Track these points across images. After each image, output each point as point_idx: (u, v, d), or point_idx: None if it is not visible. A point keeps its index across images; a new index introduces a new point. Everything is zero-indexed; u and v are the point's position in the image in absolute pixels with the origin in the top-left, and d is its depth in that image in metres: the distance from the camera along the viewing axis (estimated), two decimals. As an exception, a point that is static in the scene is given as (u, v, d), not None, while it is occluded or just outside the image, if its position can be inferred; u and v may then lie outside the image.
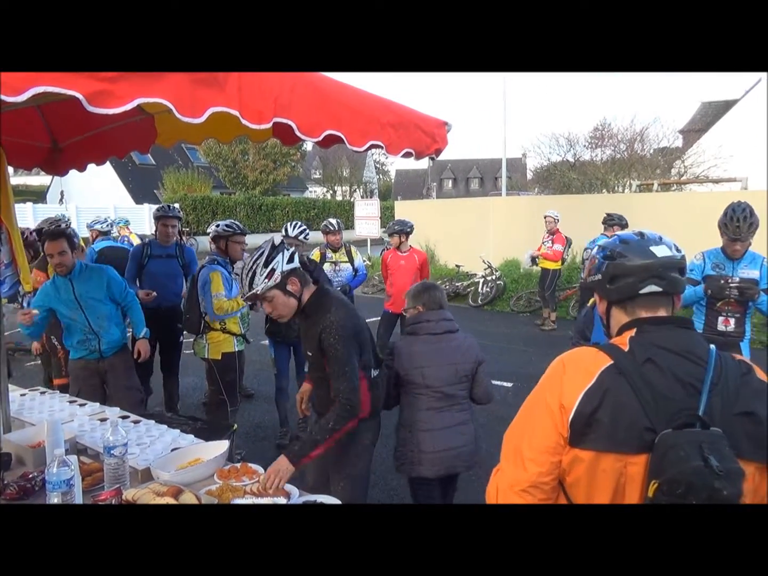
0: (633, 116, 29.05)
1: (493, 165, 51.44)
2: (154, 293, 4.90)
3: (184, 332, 5.04)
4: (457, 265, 12.70)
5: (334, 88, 2.20)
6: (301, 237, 4.94)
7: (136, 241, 9.40)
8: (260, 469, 2.51)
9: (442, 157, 2.98)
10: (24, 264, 3.28)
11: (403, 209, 15.26)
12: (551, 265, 9.26)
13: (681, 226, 7.83)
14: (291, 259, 2.52)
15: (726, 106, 25.92)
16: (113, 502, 2.07)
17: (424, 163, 44.98)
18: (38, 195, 26.76)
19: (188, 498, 2.14)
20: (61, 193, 22.07)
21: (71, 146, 3.45)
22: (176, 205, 6.11)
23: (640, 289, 1.37)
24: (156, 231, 5.34)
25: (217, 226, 4.53)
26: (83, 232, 8.02)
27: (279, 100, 1.92)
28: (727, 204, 3.90)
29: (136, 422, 3.05)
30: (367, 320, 2.84)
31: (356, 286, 6.04)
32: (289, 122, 1.97)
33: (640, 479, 1.24)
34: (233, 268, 4.44)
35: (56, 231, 3.99)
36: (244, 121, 1.84)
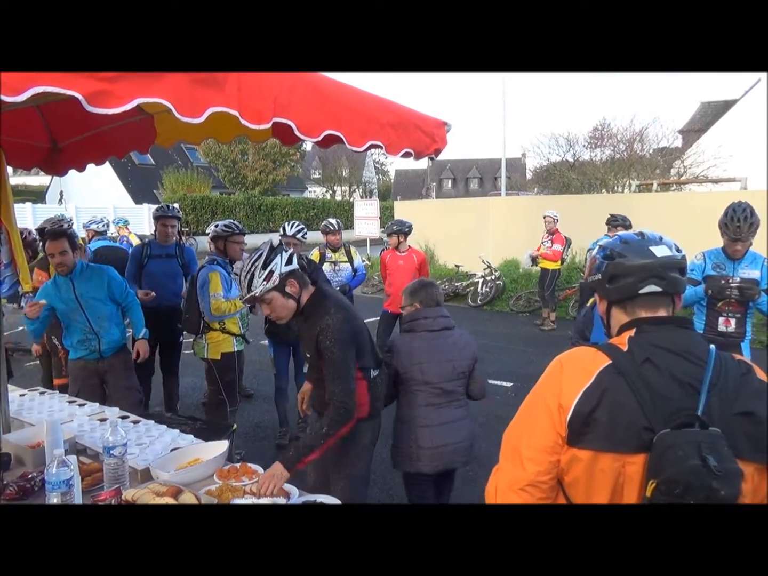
0: (632, 116, 29.19)
1: (492, 165, 51.46)
2: (153, 293, 4.90)
3: (184, 332, 5.04)
4: (456, 265, 12.70)
5: (334, 88, 2.20)
6: (299, 236, 4.93)
7: (135, 241, 9.42)
8: (260, 469, 2.51)
9: (442, 157, 2.98)
10: (23, 264, 3.28)
11: (403, 209, 15.26)
12: (551, 265, 9.27)
13: (680, 226, 7.83)
14: (289, 261, 2.51)
15: (725, 106, 25.94)
16: (113, 502, 2.07)
17: (423, 163, 44.99)
18: (37, 195, 26.75)
19: (188, 498, 2.14)
20: (61, 193, 22.10)
21: (70, 146, 3.45)
22: (175, 205, 6.11)
23: (639, 288, 1.37)
24: (155, 231, 5.34)
25: (216, 226, 4.53)
26: (82, 232, 8.03)
27: (278, 100, 1.92)
28: (726, 204, 3.90)
29: (135, 422, 3.05)
30: (366, 320, 2.84)
31: (356, 286, 6.04)
32: (289, 122, 1.97)
33: (638, 479, 1.25)
34: (232, 268, 4.44)
35: (57, 231, 3.99)
36: (243, 121, 1.84)
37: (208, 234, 4.76)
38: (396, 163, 64.07)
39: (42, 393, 3.63)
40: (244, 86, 1.80)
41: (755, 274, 3.84)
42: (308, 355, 2.67)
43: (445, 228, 13.63)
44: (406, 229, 6.31)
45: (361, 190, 45.25)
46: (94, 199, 24.33)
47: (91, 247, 6.05)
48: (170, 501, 2.08)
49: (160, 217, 5.22)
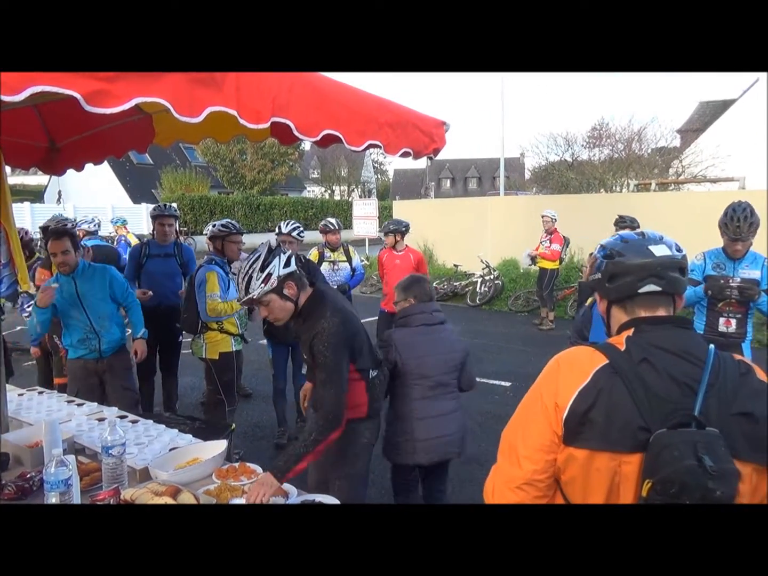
0: (631, 116, 29.25)
1: (491, 165, 51.49)
2: (150, 292, 4.90)
3: (183, 332, 5.04)
4: (455, 265, 12.71)
5: (333, 87, 2.20)
6: (294, 234, 4.92)
7: (134, 241, 9.40)
8: (258, 469, 2.51)
9: (440, 156, 2.98)
10: (22, 264, 3.28)
11: (401, 209, 15.26)
12: (549, 265, 9.28)
13: (679, 226, 7.84)
14: (288, 263, 2.48)
15: (724, 105, 25.97)
16: (111, 501, 2.07)
17: (422, 163, 44.96)
18: (36, 195, 26.74)
19: (186, 498, 2.14)
20: (59, 192, 22.09)
21: (69, 146, 3.45)
22: (174, 205, 6.11)
23: (638, 288, 1.37)
24: (153, 230, 5.34)
25: (214, 225, 4.53)
26: (77, 232, 8.03)
27: (277, 99, 1.92)
28: (725, 204, 3.90)
29: (134, 422, 3.04)
30: (365, 320, 2.85)
31: (354, 286, 6.04)
32: (287, 122, 1.97)
33: (634, 478, 1.25)
34: (230, 268, 4.43)
35: (60, 230, 3.99)
36: (242, 121, 1.84)
37: (206, 234, 4.75)
38: (394, 163, 64.14)
39: (40, 393, 3.62)
40: (242, 86, 1.80)
41: (755, 274, 3.84)
42: (305, 357, 2.66)
43: (443, 227, 13.64)
44: (403, 229, 6.31)
45: (359, 190, 45.23)
46: (93, 198, 24.32)
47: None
48: (169, 501, 2.08)
49: (157, 217, 5.22)
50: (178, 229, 5.66)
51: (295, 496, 2.33)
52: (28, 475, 2.34)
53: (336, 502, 2.28)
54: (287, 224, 5.01)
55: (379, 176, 57.77)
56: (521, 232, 11.54)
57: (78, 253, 3.88)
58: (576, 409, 1.29)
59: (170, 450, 2.65)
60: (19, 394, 3.53)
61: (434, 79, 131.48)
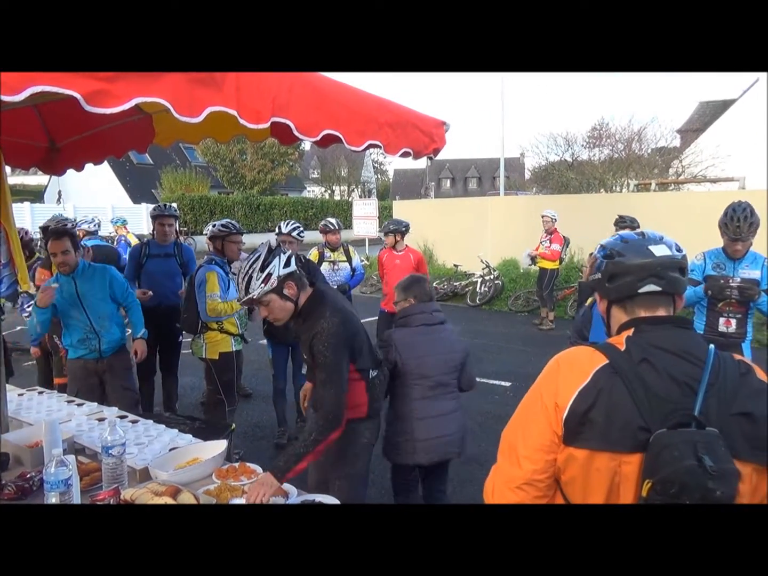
0: (631, 116, 29.24)
1: (491, 165, 51.50)
2: (150, 292, 4.90)
3: (183, 332, 5.04)
4: (455, 265, 12.71)
5: (332, 87, 2.20)
6: (294, 233, 4.92)
7: (134, 241, 9.40)
8: (258, 469, 2.51)
9: (440, 156, 2.98)
10: (21, 264, 3.28)
11: (401, 209, 15.26)
12: (549, 265, 9.28)
13: (679, 226, 7.84)
14: (288, 263, 2.48)
15: (724, 105, 25.98)
16: (111, 501, 2.07)
17: (422, 163, 44.95)
18: (36, 195, 26.74)
19: (186, 498, 2.14)
20: (59, 192, 22.09)
21: (69, 146, 3.45)
22: (174, 205, 6.11)
23: (638, 288, 1.37)
24: (153, 230, 5.34)
25: (214, 225, 4.53)
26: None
27: (277, 99, 1.92)
28: (725, 204, 3.90)
29: (134, 422, 3.04)
30: (365, 320, 2.85)
31: (354, 286, 6.04)
32: (287, 122, 1.97)
33: (634, 478, 1.25)
34: (230, 268, 4.43)
35: (60, 230, 3.99)
36: (242, 121, 1.84)
37: (205, 234, 4.75)
38: (394, 163, 64.14)
39: (40, 393, 3.62)
40: (242, 86, 1.80)
41: (756, 274, 3.83)
42: (305, 357, 2.66)
43: (443, 228, 13.64)
44: (403, 229, 6.31)
45: (359, 190, 45.23)
46: (93, 198, 24.31)
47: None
48: (169, 501, 2.08)
49: (157, 216, 5.22)
50: (178, 229, 5.66)
51: (295, 496, 2.33)
52: (28, 475, 2.34)
53: (336, 502, 2.28)
54: (287, 224, 5.01)
55: (379, 176, 57.77)
56: (521, 232, 11.54)
57: (78, 253, 3.88)
58: (576, 409, 1.29)
59: (170, 450, 2.65)
60: (19, 394, 3.53)
61: (434, 79, 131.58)
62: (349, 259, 5.91)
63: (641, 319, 1.38)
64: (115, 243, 9.27)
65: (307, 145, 31.47)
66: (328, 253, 5.85)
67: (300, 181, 41.76)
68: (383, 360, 2.92)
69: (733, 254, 3.88)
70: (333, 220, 5.93)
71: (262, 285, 2.43)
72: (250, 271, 2.44)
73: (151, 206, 5.95)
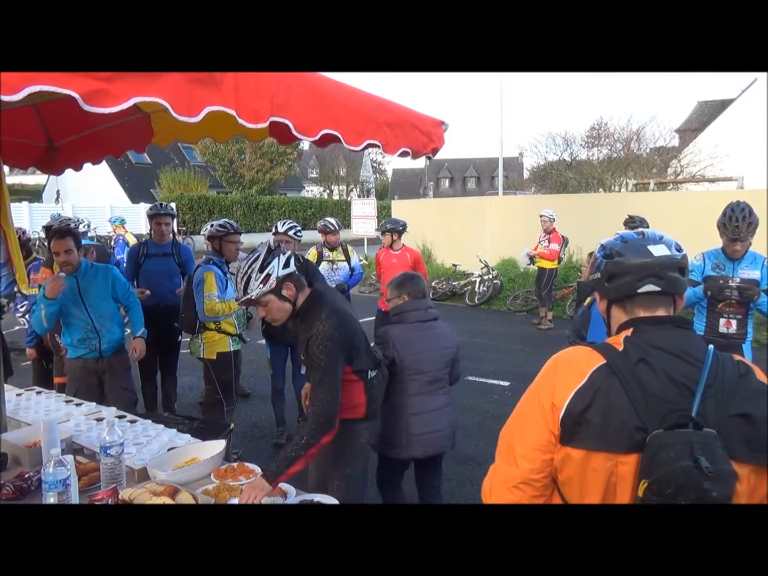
0: (630, 115, 29.16)
1: (489, 164, 51.47)
2: (148, 291, 4.89)
3: (182, 331, 5.04)
4: (454, 264, 12.71)
5: (331, 87, 2.20)
6: (290, 233, 4.91)
7: (132, 240, 9.41)
8: (257, 469, 2.51)
9: (439, 156, 2.98)
10: (20, 263, 3.28)
11: (400, 208, 15.26)
12: (548, 264, 9.29)
13: (677, 226, 7.84)
14: (287, 264, 2.48)
15: (722, 105, 26.03)
16: (110, 501, 2.07)
17: (421, 163, 44.99)
18: (34, 194, 26.71)
19: (185, 498, 2.13)
20: (57, 192, 22.07)
21: (67, 145, 3.45)
22: (172, 205, 6.11)
23: (637, 288, 1.37)
24: (151, 230, 5.34)
25: (212, 225, 4.52)
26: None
27: (275, 99, 1.92)
28: (723, 203, 3.89)
29: (132, 422, 3.04)
30: (363, 320, 2.85)
31: (353, 285, 6.04)
32: (286, 121, 1.97)
33: (630, 479, 1.25)
34: (228, 267, 4.43)
35: (63, 229, 4.00)
36: (240, 121, 1.84)
37: (203, 234, 4.75)
38: (393, 163, 64.22)
39: (39, 393, 3.62)
40: (241, 85, 1.80)
41: (755, 274, 3.82)
42: (303, 357, 2.66)
43: (442, 227, 13.64)
44: (400, 228, 6.30)
45: (358, 190, 45.25)
46: (91, 198, 24.29)
47: None
48: (167, 501, 2.08)
49: (154, 216, 5.22)
50: (176, 228, 5.67)
51: (293, 495, 2.34)
52: (27, 475, 2.33)
53: (335, 501, 2.28)
54: (283, 224, 5.00)
55: (378, 176, 57.82)
56: (520, 231, 11.54)
57: (80, 252, 3.90)
58: (572, 408, 1.29)
59: (169, 450, 2.65)
60: (18, 394, 3.53)
61: (433, 79, 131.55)
62: (348, 259, 5.91)
63: (640, 319, 1.38)
64: (113, 242, 9.27)
65: (305, 144, 31.47)
66: (326, 252, 5.84)
67: (299, 181, 41.74)
68: (384, 356, 2.92)
69: (732, 254, 3.87)
70: (333, 221, 5.92)
71: (261, 286, 2.42)
72: (249, 272, 2.44)
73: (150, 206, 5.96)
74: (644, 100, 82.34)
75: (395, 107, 2.55)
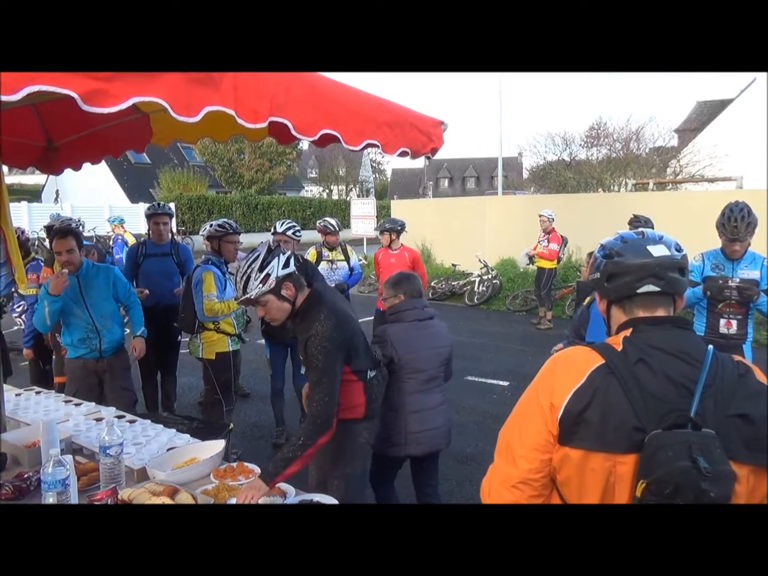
0: (629, 115, 29.09)
1: (489, 164, 51.46)
2: (147, 291, 4.88)
3: (182, 331, 5.04)
4: (453, 264, 12.71)
5: (330, 87, 2.20)
6: (289, 233, 4.89)
7: (131, 240, 9.40)
8: (256, 469, 2.51)
9: (438, 156, 2.98)
10: (19, 263, 3.27)
11: (400, 208, 15.26)
12: (547, 264, 9.29)
13: (676, 225, 7.82)
14: (287, 264, 2.48)
15: (721, 105, 26.05)
16: (109, 501, 2.07)
17: (420, 162, 45.03)
18: (33, 194, 26.70)
19: (184, 498, 2.13)
20: (56, 192, 22.07)
21: (66, 145, 3.44)
22: (171, 205, 6.12)
23: (637, 288, 1.37)
24: (149, 230, 5.34)
25: (210, 225, 4.51)
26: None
27: (275, 99, 1.92)
28: (722, 203, 3.89)
29: (132, 422, 3.04)
30: (362, 319, 2.84)
31: (353, 285, 6.04)
32: (285, 121, 1.97)
33: (629, 479, 1.25)
34: (227, 267, 4.42)
35: (65, 229, 4.01)
36: (239, 120, 1.84)
37: (202, 234, 4.75)
38: (393, 162, 64.19)
39: (38, 393, 3.62)
40: (240, 85, 1.80)
41: (755, 274, 3.82)
42: (302, 357, 2.66)
43: (442, 227, 13.64)
44: (398, 228, 6.29)
45: (357, 189, 45.26)
46: (90, 198, 24.27)
47: None
48: (167, 501, 2.08)
49: (152, 216, 5.22)
50: (176, 228, 5.68)
51: (293, 495, 2.34)
52: (26, 475, 2.33)
53: (334, 501, 2.28)
54: (282, 224, 5.00)
55: (377, 176, 57.81)
56: (519, 231, 11.54)
57: (82, 252, 3.91)
58: (571, 409, 1.29)
59: (168, 450, 2.65)
60: (17, 394, 3.53)
61: (432, 79, 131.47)
62: (347, 259, 5.91)
63: (640, 319, 1.38)
64: (112, 242, 9.27)
65: (305, 144, 31.45)
66: (326, 252, 5.84)
67: (298, 181, 41.72)
68: (381, 358, 2.93)
69: (732, 255, 3.87)
70: (333, 221, 5.91)
71: (260, 285, 2.43)
72: (248, 271, 2.44)
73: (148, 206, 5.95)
74: (643, 100, 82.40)
75: (394, 107, 2.55)
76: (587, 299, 3.70)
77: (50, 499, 1.95)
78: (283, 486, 2.37)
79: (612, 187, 22.51)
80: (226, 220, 4.55)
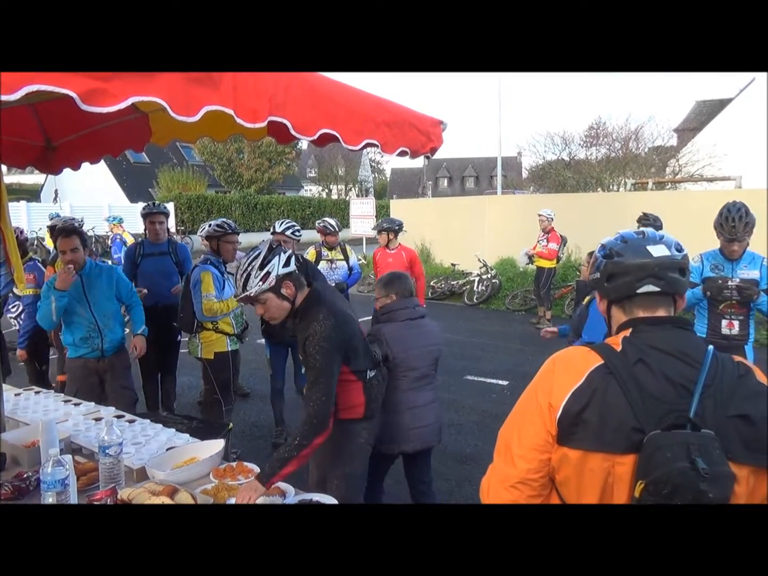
0: (628, 115, 29.25)
1: (488, 164, 51.44)
2: (145, 290, 4.88)
3: (182, 331, 5.03)
4: (452, 264, 12.71)
5: (329, 87, 2.20)
6: (288, 233, 4.87)
7: (129, 240, 9.40)
8: (256, 468, 2.51)
9: (438, 155, 2.98)
10: (18, 263, 3.27)
11: (399, 208, 15.26)
12: (546, 264, 9.29)
13: (676, 225, 7.83)
14: (287, 263, 2.48)
15: (720, 105, 26.06)
16: (108, 501, 2.07)
17: (419, 162, 45.02)
18: (32, 194, 26.69)
19: (184, 497, 2.13)
20: (55, 191, 22.00)
21: (65, 145, 3.44)
22: (170, 204, 6.12)
23: (637, 288, 1.36)
24: (145, 229, 5.33)
25: (209, 225, 4.51)
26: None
27: (274, 98, 1.92)
28: (721, 202, 3.89)
29: (131, 421, 3.04)
30: (361, 319, 2.84)
31: (352, 284, 6.04)
32: (284, 121, 1.97)
33: (628, 479, 1.24)
34: (226, 267, 4.42)
35: (69, 228, 4.02)
36: (238, 120, 1.84)
37: (200, 235, 4.74)
38: (392, 162, 64.15)
39: (37, 392, 3.62)
40: (239, 85, 1.80)
41: (754, 274, 3.81)
42: (301, 357, 2.66)
43: (441, 227, 13.64)
44: (396, 227, 6.29)
45: (357, 189, 45.25)
46: (89, 197, 24.24)
47: None
48: (166, 500, 2.08)
49: (147, 215, 5.22)
50: (175, 228, 5.68)
51: (292, 495, 2.34)
52: (25, 475, 2.33)
53: (333, 501, 2.29)
54: (281, 223, 4.98)
55: (377, 175, 57.80)
56: (518, 231, 11.54)
57: (86, 251, 3.92)
58: (569, 409, 1.28)
59: (167, 449, 2.65)
60: (16, 394, 3.53)
61: (431, 79, 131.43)
62: (347, 258, 5.91)
63: (639, 319, 1.37)
64: (110, 242, 9.27)
65: (304, 144, 31.40)
66: (325, 252, 5.84)
67: (297, 180, 41.70)
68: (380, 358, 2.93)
69: (730, 255, 3.86)
70: (332, 222, 5.91)
71: (260, 283, 2.43)
72: (249, 269, 2.44)
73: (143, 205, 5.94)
74: (643, 100, 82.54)
75: (394, 107, 2.55)
76: (586, 298, 3.71)
77: (49, 499, 1.95)
78: (283, 485, 2.37)
79: (611, 187, 22.51)
80: (224, 219, 4.55)
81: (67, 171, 3.61)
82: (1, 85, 1.40)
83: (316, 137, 2.15)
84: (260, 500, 2.22)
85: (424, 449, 3.20)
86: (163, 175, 26.92)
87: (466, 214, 13.49)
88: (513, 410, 1.45)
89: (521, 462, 1.34)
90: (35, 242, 15.78)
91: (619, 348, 1.33)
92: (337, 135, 2.21)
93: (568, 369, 1.34)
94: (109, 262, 6.01)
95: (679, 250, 1.39)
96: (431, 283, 12.11)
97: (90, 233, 15.51)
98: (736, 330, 3.86)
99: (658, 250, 1.36)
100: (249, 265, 2.45)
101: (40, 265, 5.26)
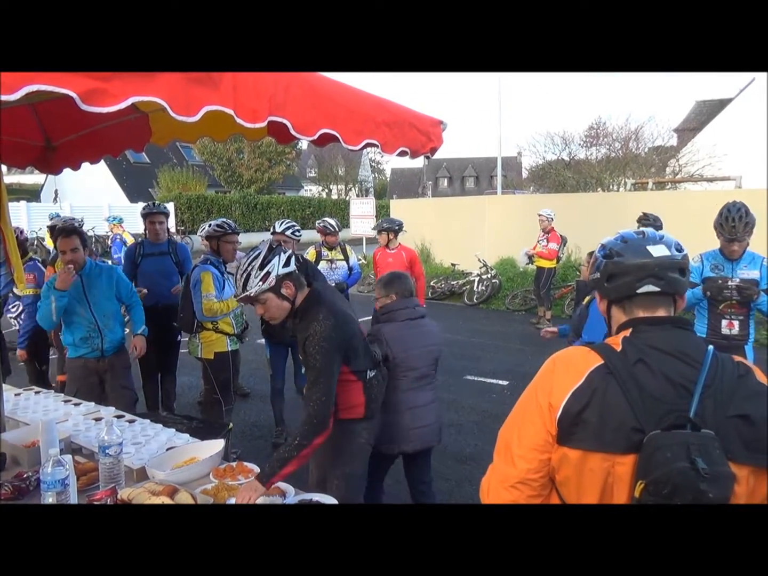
0: (628, 115, 29.23)
1: (488, 164, 51.43)
2: (145, 290, 4.88)
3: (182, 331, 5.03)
4: (452, 264, 12.71)
5: (329, 87, 2.20)
6: (288, 233, 4.87)
7: (129, 240, 9.41)
8: (256, 468, 2.51)
9: (438, 155, 2.98)
10: (18, 263, 3.27)
11: (399, 208, 15.26)
12: (546, 264, 9.29)
13: (675, 225, 7.83)
14: (287, 263, 2.48)
15: (720, 104, 26.06)
16: (108, 501, 2.07)
17: (419, 162, 45.03)
18: (32, 194, 26.69)
19: (184, 497, 2.13)
20: (55, 191, 22.00)
21: (65, 145, 3.44)
22: (170, 204, 6.13)
23: (637, 288, 1.36)
24: (145, 230, 5.33)
25: (209, 225, 4.51)
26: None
27: (274, 98, 1.92)
28: (721, 202, 3.89)
29: (131, 421, 3.04)
30: (361, 319, 2.84)
31: (352, 284, 6.04)
32: (284, 121, 1.97)
33: (627, 479, 1.24)
34: (226, 267, 4.42)
35: (70, 228, 4.02)
36: (238, 120, 1.84)
37: (200, 235, 4.74)
38: (392, 162, 64.18)
39: (37, 392, 3.62)
40: (239, 85, 1.80)
41: (754, 274, 3.81)
42: (301, 357, 2.66)
43: (441, 227, 13.64)
44: (396, 227, 6.29)
45: (357, 189, 45.26)
46: (89, 197, 24.24)
47: None
48: (166, 500, 2.08)
49: (147, 215, 5.22)
50: (175, 228, 5.68)
51: (292, 495, 2.34)
52: (25, 475, 2.33)
53: (333, 501, 2.29)
54: (281, 223, 4.98)
55: (377, 175, 57.82)
56: (518, 230, 11.54)
57: (86, 251, 3.92)
58: (570, 409, 1.28)
59: (167, 449, 2.65)
60: (16, 394, 3.53)
61: (431, 79, 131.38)
62: (347, 258, 5.91)
63: (639, 319, 1.37)
64: (110, 241, 9.27)
65: (304, 144, 31.40)
66: (325, 252, 5.84)
67: (297, 180, 41.70)
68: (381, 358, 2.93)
69: (730, 255, 3.86)
70: (332, 222, 5.90)
71: (260, 283, 2.43)
72: (249, 269, 2.45)
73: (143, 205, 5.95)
74: (642, 100, 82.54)
75: (394, 107, 2.55)
76: (586, 298, 3.71)
77: (49, 499, 1.95)
78: (283, 485, 2.37)
79: (611, 187, 22.51)
80: (224, 219, 4.54)
81: (67, 171, 3.61)
82: (1, 85, 1.40)
83: (316, 137, 2.15)
84: (260, 500, 2.22)
85: (424, 449, 3.20)
86: (163, 175, 26.91)
87: (466, 214, 13.49)
88: (513, 410, 1.45)
89: (521, 462, 1.34)
90: (35, 242, 15.78)
91: (619, 348, 1.33)
92: (337, 135, 2.21)
93: (568, 369, 1.34)
94: (109, 262, 6.01)
95: (679, 250, 1.39)
96: (431, 283, 12.11)
97: (90, 233, 15.52)
98: (736, 330, 3.86)
99: (658, 250, 1.36)
100: (249, 265, 2.45)
101: (40, 265, 5.26)
